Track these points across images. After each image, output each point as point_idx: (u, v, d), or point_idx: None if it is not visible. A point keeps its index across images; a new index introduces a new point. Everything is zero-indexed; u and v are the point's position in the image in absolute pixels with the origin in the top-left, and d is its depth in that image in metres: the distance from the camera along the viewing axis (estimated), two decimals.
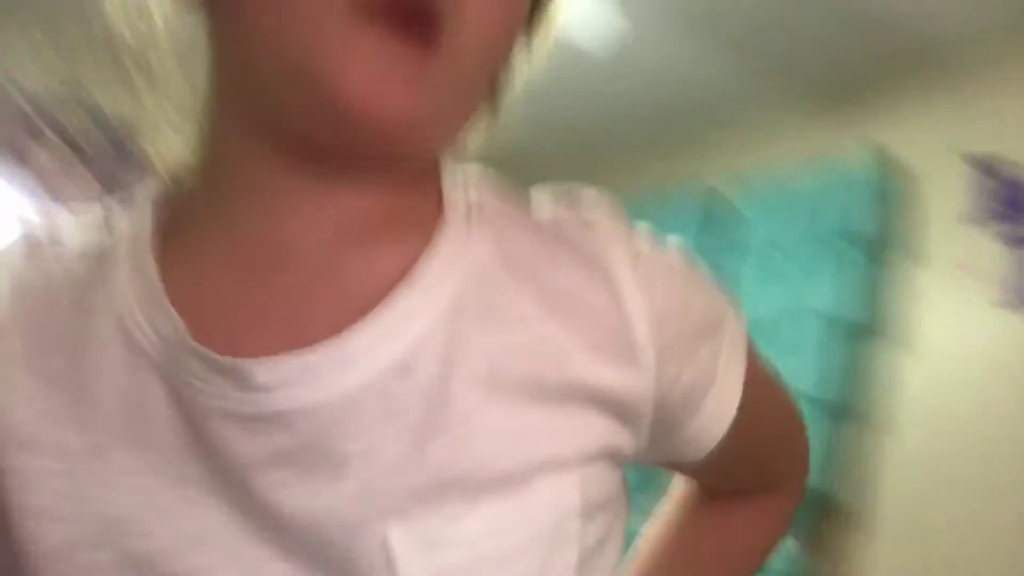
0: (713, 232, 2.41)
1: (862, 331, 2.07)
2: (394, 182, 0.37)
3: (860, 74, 2.20)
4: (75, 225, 0.38)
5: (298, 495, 0.33)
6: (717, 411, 0.41)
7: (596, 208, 0.41)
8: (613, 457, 0.38)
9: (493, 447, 0.34)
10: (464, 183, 0.40)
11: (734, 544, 0.52)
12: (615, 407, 0.37)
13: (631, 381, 0.37)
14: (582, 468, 0.36)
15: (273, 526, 0.33)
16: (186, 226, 0.37)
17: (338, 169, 0.36)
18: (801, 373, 1.95)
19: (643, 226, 0.41)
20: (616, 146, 2.64)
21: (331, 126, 0.33)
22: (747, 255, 2.31)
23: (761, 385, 0.45)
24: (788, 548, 1.84)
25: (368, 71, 0.32)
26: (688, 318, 0.40)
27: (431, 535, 0.33)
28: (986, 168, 1.98)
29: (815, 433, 1.66)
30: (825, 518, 1.94)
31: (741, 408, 0.42)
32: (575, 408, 0.36)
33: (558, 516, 0.35)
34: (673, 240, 0.42)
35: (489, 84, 0.40)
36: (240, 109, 0.36)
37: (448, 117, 0.37)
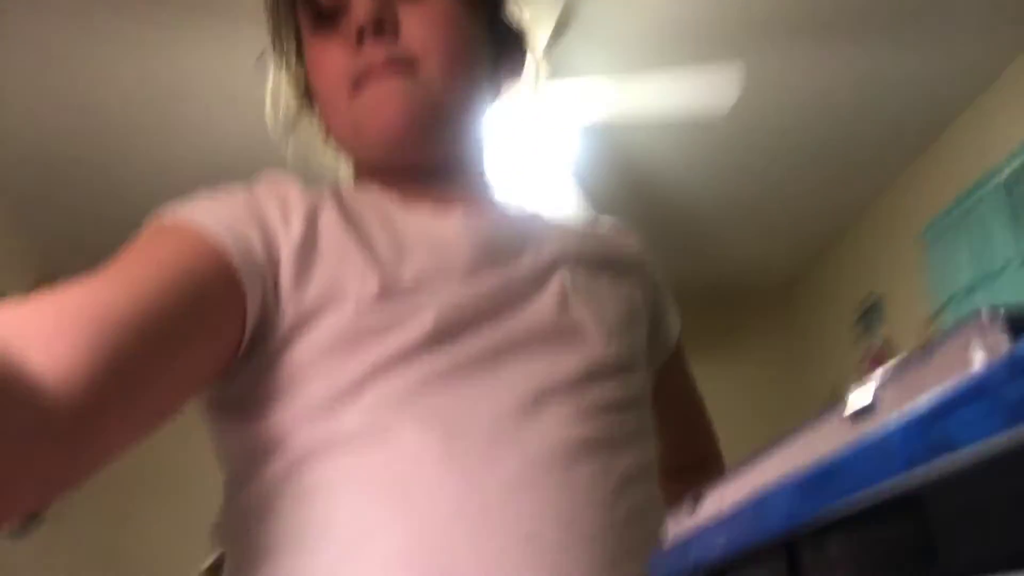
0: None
1: None
2: (471, 181, 0.66)
3: None
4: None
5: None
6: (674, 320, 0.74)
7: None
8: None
9: None
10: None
11: None
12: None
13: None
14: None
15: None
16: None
17: (425, 177, 0.63)
18: None
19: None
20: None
21: (393, 154, 0.61)
22: None
23: (686, 358, 0.77)
24: None
25: (378, 118, 0.58)
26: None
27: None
28: None
29: None
30: None
31: (677, 355, 0.74)
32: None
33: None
34: None
35: (475, 86, 0.64)
36: (363, 167, 0.66)
37: (444, 121, 0.61)
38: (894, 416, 0.26)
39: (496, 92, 0.68)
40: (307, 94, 0.66)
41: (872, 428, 0.28)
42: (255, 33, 0.67)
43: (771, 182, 3.03)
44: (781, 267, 3.70)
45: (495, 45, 0.67)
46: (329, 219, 0.56)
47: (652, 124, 2.50)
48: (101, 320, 0.41)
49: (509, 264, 0.57)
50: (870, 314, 3.25)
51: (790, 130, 2.73)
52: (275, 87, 0.67)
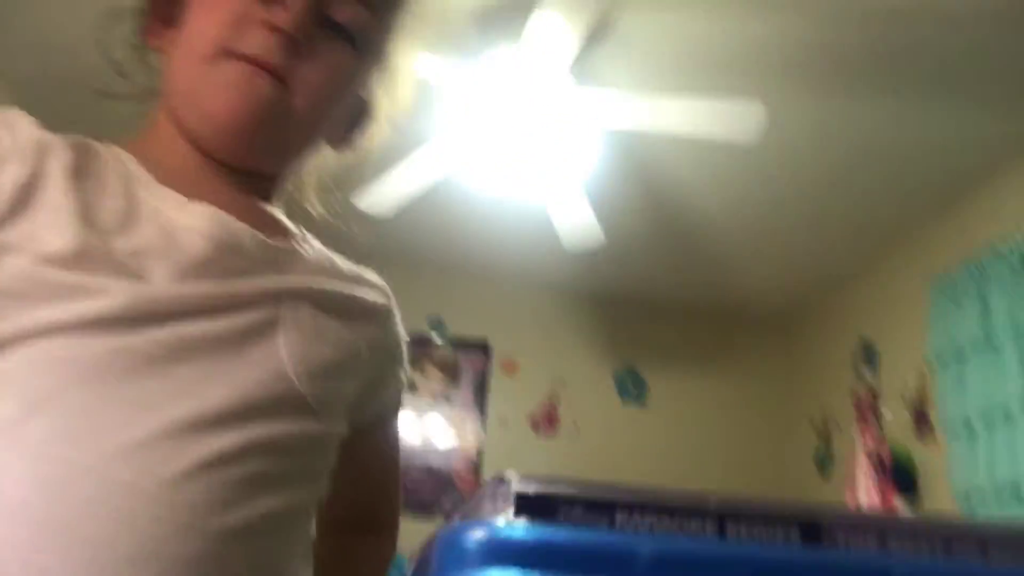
0: None
1: None
2: (259, 188, 0.63)
3: None
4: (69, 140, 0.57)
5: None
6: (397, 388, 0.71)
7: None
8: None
9: None
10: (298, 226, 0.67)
11: (362, 568, 0.72)
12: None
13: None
14: None
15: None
16: (145, 156, 0.59)
17: (223, 168, 0.60)
18: None
19: None
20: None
21: (210, 133, 0.58)
22: None
23: (396, 431, 0.74)
24: None
25: (227, 102, 0.57)
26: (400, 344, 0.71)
27: None
28: None
29: None
30: None
31: (392, 416, 0.72)
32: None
33: None
34: None
35: (318, 133, 0.65)
36: (173, 119, 0.61)
37: (289, 145, 0.62)
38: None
39: (328, 142, 0.69)
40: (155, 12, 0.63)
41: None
42: None
43: (784, 215, 3.04)
44: (785, 297, 3.71)
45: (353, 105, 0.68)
46: (57, 167, 0.53)
47: (674, 142, 2.52)
48: None
49: (231, 279, 0.55)
50: (865, 358, 3.27)
51: (808, 169, 2.75)
52: None
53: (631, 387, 3.74)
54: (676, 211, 3.05)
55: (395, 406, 0.72)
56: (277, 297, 0.56)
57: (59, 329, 0.48)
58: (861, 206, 2.94)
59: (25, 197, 0.50)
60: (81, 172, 0.53)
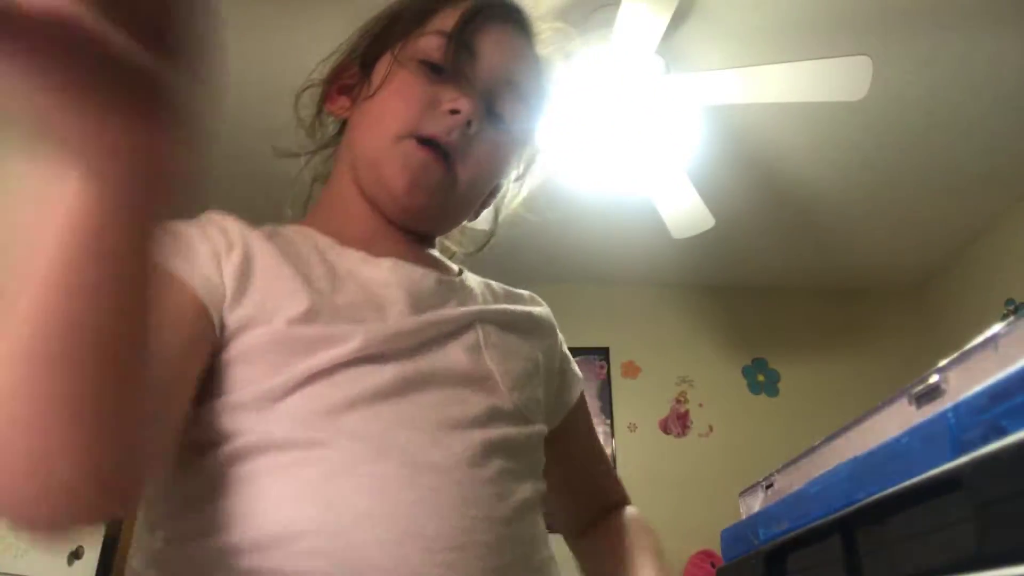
0: None
1: None
2: (422, 239, 0.74)
3: None
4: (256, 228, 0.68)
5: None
6: (576, 376, 0.80)
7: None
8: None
9: None
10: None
11: (634, 526, 0.78)
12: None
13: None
14: None
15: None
16: (326, 226, 0.70)
17: (393, 225, 0.70)
18: None
19: None
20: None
21: (387, 200, 0.69)
22: None
23: (587, 414, 0.82)
24: None
25: (405, 176, 0.66)
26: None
27: None
28: None
29: None
30: None
31: (578, 411, 0.79)
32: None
33: None
34: None
35: (476, 206, 0.75)
36: (355, 180, 0.71)
37: (450, 215, 0.73)
38: (950, 402, 0.26)
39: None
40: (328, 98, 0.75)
41: (932, 413, 0.28)
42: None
43: (904, 174, 2.87)
44: (915, 262, 3.50)
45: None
46: (263, 247, 0.63)
47: (778, 113, 2.42)
48: None
49: (431, 312, 0.64)
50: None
51: (924, 120, 2.58)
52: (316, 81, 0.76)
53: (761, 378, 3.60)
54: (787, 186, 2.93)
55: (581, 399, 0.81)
56: (470, 324, 0.66)
57: (321, 373, 0.56)
58: (990, 152, 2.73)
59: (246, 275, 0.60)
60: (281, 249, 0.63)
